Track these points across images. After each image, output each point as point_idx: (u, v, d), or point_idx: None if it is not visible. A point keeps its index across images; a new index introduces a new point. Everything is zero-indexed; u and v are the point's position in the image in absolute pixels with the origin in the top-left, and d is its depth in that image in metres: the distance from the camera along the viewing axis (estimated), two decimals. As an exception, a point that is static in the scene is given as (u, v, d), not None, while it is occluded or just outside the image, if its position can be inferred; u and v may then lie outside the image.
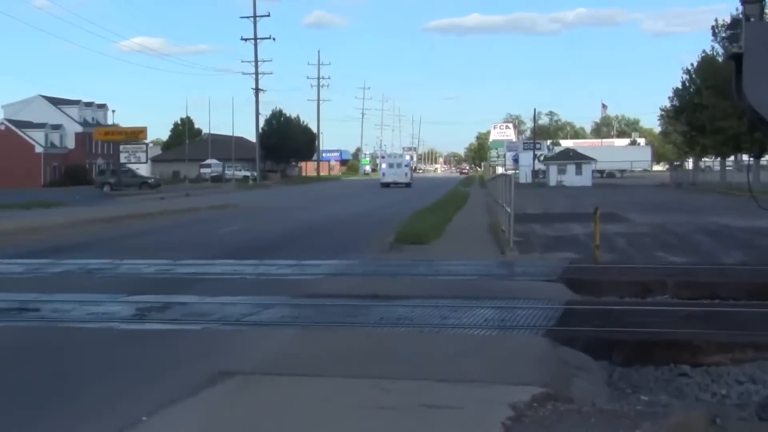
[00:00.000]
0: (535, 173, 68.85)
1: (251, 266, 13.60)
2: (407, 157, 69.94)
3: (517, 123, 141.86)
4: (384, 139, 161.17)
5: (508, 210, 16.67)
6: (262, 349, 6.92)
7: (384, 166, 65.73)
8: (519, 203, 23.16)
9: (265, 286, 11.28)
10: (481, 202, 35.26)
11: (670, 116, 60.14)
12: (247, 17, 73.40)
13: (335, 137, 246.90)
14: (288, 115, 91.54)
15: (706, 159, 61.50)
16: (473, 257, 14.13)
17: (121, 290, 10.66)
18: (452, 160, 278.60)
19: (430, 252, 15.37)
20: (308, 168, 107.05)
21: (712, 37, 50.32)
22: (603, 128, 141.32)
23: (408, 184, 63.39)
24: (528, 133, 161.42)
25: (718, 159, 56.10)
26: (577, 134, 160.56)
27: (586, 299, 10.17)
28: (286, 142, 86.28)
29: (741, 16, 6.54)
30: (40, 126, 76.03)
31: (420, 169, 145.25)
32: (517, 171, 70.75)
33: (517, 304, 9.19)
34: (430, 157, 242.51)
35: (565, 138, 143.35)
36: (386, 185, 62.79)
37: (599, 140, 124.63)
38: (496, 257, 14.51)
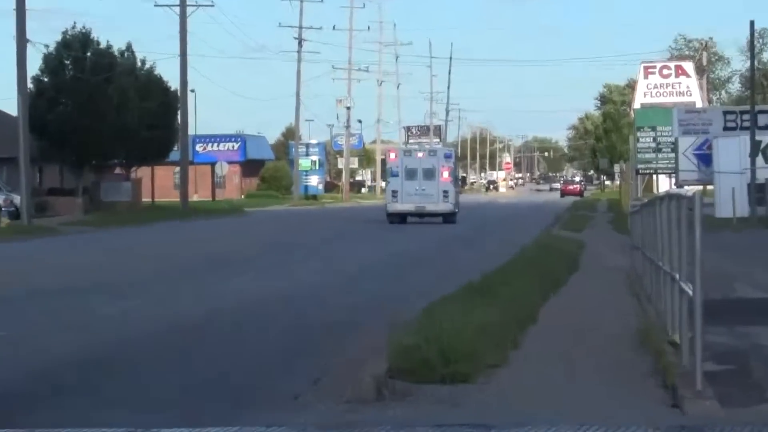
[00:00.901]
0: (757, 190, 68.46)
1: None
2: (444, 153, 73.93)
3: (702, 60, 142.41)
4: (357, 108, 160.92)
5: (687, 289, 16.49)
6: None
7: (396, 174, 70.24)
8: (715, 270, 22.74)
9: None
10: (614, 266, 36.01)
11: None
12: None
13: (230, 104, 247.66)
14: (105, 46, 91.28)
15: None
16: (596, 415, 14.27)
17: None
18: (536, 158, 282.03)
19: (482, 400, 15.74)
20: (161, 181, 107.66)
21: None
22: None
23: (450, 216, 68.56)
24: (734, 86, 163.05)
25: None
26: None
27: None
28: (99, 113, 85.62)
29: None
30: None
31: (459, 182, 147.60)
32: (709, 186, 70.78)
33: None
34: (478, 150, 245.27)
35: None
36: (399, 217, 68.26)
37: None
38: (660, 414, 14.86)
